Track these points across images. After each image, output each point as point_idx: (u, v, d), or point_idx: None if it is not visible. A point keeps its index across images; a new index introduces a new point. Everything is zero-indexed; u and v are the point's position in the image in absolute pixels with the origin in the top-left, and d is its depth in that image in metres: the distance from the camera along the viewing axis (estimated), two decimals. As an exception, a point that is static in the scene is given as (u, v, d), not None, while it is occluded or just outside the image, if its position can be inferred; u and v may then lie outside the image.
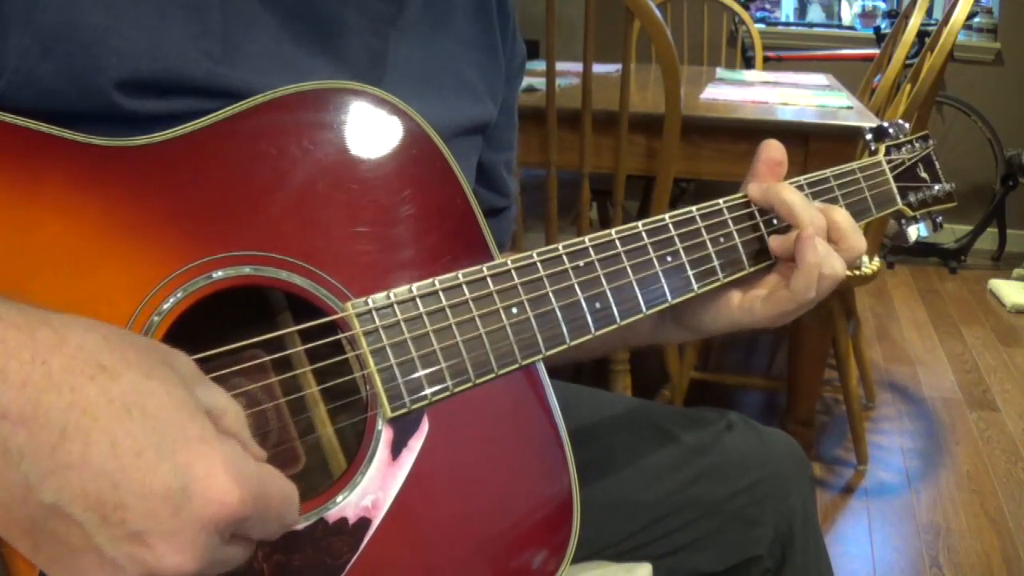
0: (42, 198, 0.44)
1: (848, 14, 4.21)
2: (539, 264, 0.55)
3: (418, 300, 0.51)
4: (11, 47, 0.49)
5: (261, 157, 0.49)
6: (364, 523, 0.49)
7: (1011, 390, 2.44)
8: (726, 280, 0.62)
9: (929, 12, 3.44)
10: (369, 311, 0.50)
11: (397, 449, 0.50)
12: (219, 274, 0.47)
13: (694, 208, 0.62)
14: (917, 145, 0.74)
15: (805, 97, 1.95)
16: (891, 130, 0.74)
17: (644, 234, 0.59)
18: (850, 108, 1.77)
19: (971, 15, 2.39)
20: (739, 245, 0.63)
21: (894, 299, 3.18)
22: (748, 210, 0.64)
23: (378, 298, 0.50)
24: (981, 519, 1.82)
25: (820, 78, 2.53)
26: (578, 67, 1.60)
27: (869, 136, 0.72)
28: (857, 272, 1.87)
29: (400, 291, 0.51)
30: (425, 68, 0.66)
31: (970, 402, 2.37)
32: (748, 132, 1.60)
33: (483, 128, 0.72)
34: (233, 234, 0.48)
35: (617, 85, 1.45)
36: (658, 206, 1.53)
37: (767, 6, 4.21)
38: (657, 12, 1.34)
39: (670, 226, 0.60)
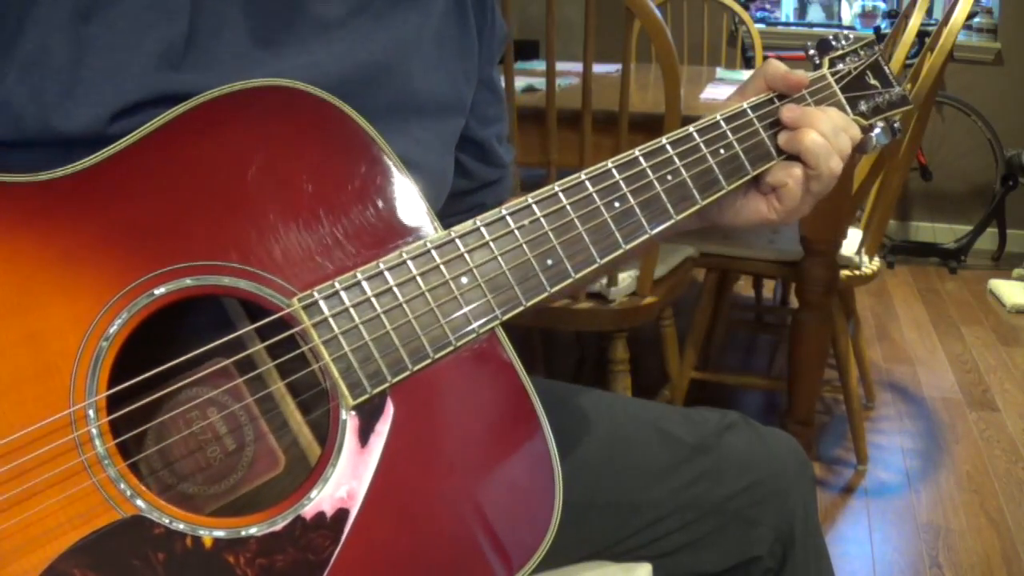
0: None
1: (848, 14, 4.21)
2: (482, 229, 0.54)
3: (364, 284, 0.50)
4: None
5: (187, 167, 0.49)
6: (343, 514, 0.49)
7: (1011, 390, 2.44)
8: (730, 188, 0.63)
9: (929, 12, 3.45)
10: (315, 302, 0.50)
11: (365, 436, 0.50)
12: (160, 290, 0.47)
13: (691, 127, 0.62)
14: (862, 53, 0.73)
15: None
16: (834, 42, 0.72)
17: (614, 170, 0.59)
18: (850, 108, 1.76)
19: (971, 15, 2.39)
20: (740, 153, 0.63)
21: (894, 299, 3.18)
22: (744, 120, 0.64)
23: (323, 288, 0.50)
24: (981, 519, 1.82)
25: (820, 78, 2.53)
26: (578, 67, 1.60)
27: (812, 52, 0.71)
28: (857, 272, 1.87)
29: (344, 277, 0.50)
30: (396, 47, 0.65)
31: (970, 402, 2.37)
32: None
33: (458, 111, 0.72)
34: (170, 248, 0.48)
35: (617, 85, 1.45)
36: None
37: (767, 6, 4.21)
38: (657, 12, 1.34)
39: (668, 146, 0.61)
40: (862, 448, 2.00)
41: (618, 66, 1.68)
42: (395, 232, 0.52)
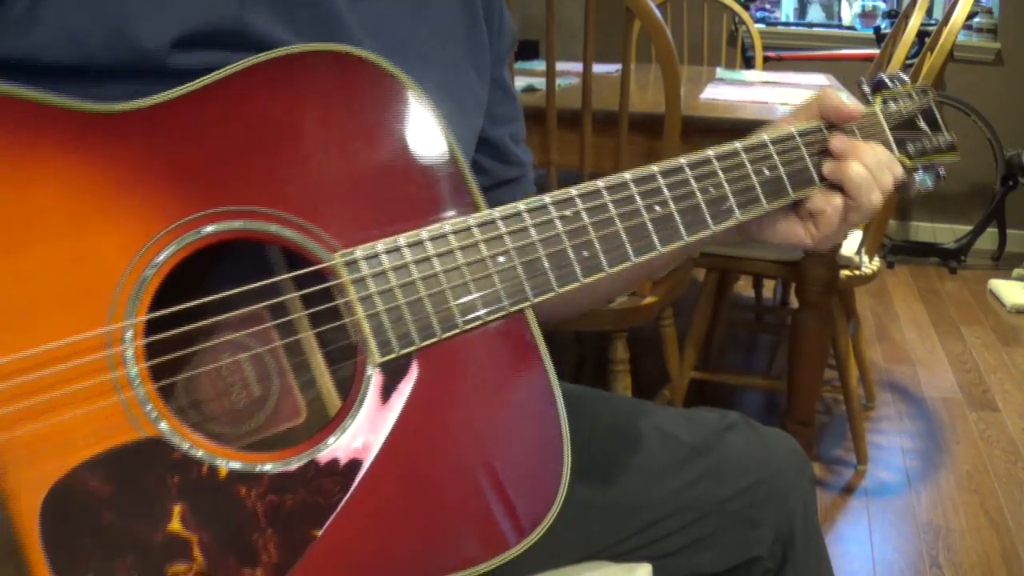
0: (36, 164, 0.45)
1: (848, 14, 4.21)
2: (524, 213, 0.55)
3: (404, 249, 0.52)
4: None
5: (248, 118, 0.50)
6: (355, 464, 0.50)
7: (1011, 390, 2.44)
8: (770, 208, 0.64)
9: (929, 12, 3.44)
10: (356, 260, 0.51)
11: (387, 393, 0.51)
12: (210, 229, 0.49)
13: (738, 143, 0.63)
14: (916, 96, 0.74)
15: (805, 97, 1.95)
16: (888, 82, 0.74)
17: (659, 175, 0.60)
18: (850, 108, 1.76)
19: (971, 15, 2.39)
20: (783, 175, 0.64)
21: (894, 299, 3.18)
22: (791, 144, 0.66)
23: (366, 247, 0.51)
24: (981, 519, 1.82)
25: (820, 78, 2.53)
26: (578, 67, 1.60)
27: (865, 88, 0.72)
28: (857, 272, 1.87)
29: (387, 241, 0.52)
30: (411, 39, 0.66)
31: (970, 402, 2.37)
32: (748, 132, 1.60)
33: (475, 109, 0.73)
34: (225, 190, 0.49)
35: (617, 85, 1.45)
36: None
37: (767, 6, 4.21)
38: (657, 12, 1.34)
39: (713, 159, 0.62)
40: (862, 448, 2.00)
41: (618, 66, 1.68)
42: (440, 205, 0.54)
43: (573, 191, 0.57)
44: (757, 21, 3.96)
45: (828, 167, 0.66)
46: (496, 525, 0.53)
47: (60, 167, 0.46)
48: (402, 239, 0.52)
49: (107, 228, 0.47)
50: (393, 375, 0.52)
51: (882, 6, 4.06)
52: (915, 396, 2.40)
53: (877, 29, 3.61)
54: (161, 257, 0.48)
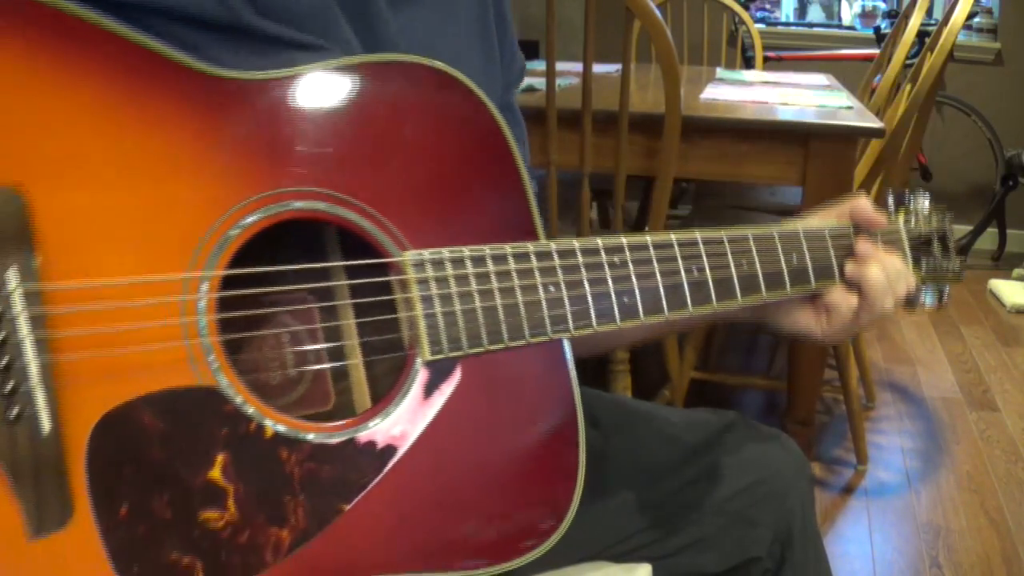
0: (146, 109, 0.48)
1: (848, 14, 4.21)
2: (578, 251, 0.60)
3: (468, 261, 0.56)
4: None
5: (351, 111, 0.54)
6: (390, 450, 0.53)
7: (1011, 390, 2.44)
8: (792, 294, 0.70)
9: (929, 12, 3.45)
10: (423, 261, 0.55)
11: (429, 391, 0.55)
12: (297, 204, 0.52)
13: (775, 230, 0.69)
14: (934, 219, 0.81)
15: (805, 97, 1.95)
16: (911, 201, 0.80)
17: (701, 241, 0.65)
18: (850, 108, 1.77)
19: (971, 15, 2.39)
20: (809, 266, 0.70)
21: (894, 299, 3.18)
22: (821, 240, 0.71)
23: (433, 251, 0.55)
24: (981, 519, 1.82)
25: (820, 78, 2.53)
26: (578, 67, 1.60)
27: (890, 201, 0.79)
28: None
29: (453, 250, 0.56)
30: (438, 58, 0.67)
31: (970, 402, 2.37)
32: (748, 132, 1.60)
33: None
34: (314, 172, 0.53)
35: (617, 85, 1.45)
36: (658, 206, 1.53)
37: (767, 6, 4.21)
38: (657, 12, 1.34)
39: (751, 238, 0.67)
40: (862, 448, 2.00)
41: (618, 66, 1.68)
42: (504, 228, 0.59)
43: (624, 240, 0.62)
44: (757, 21, 3.97)
45: (850, 266, 0.71)
46: (505, 535, 0.56)
47: (175, 117, 0.49)
48: (467, 251, 0.56)
49: (203, 182, 0.49)
50: (438, 375, 0.55)
51: (882, 6, 4.06)
52: (915, 396, 2.40)
53: (877, 29, 3.61)
54: (248, 220, 0.50)
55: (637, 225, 2.84)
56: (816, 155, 1.57)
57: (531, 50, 3.41)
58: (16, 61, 0.44)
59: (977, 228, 3.59)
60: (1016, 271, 3.42)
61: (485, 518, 0.55)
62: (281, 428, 0.50)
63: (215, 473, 0.48)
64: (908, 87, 1.92)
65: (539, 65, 1.74)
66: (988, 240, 3.67)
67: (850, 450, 2.04)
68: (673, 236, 0.64)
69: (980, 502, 1.88)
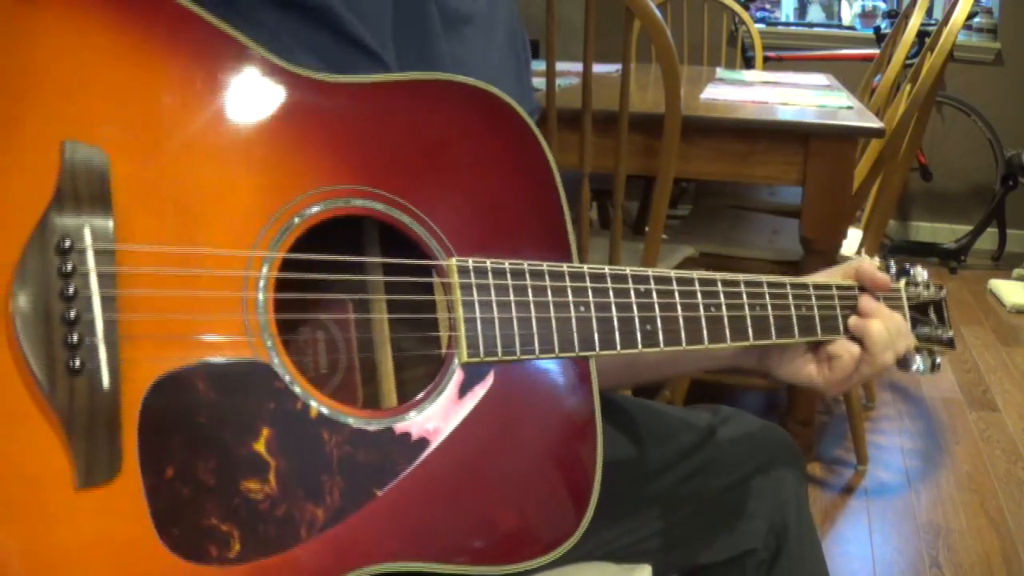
0: (227, 94, 0.52)
1: (848, 14, 4.21)
2: (608, 276, 0.64)
3: (508, 274, 0.60)
4: None
5: (414, 123, 0.58)
6: (423, 443, 0.56)
7: (1011, 390, 2.44)
8: (799, 340, 0.74)
9: (929, 12, 3.45)
10: (468, 268, 0.58)
11: (463, 392, 0.58)
12: (356, 202, 0.55)
13: (787, 280, 0.74)
14: (931, 289, 0.87)
15: (805, 97, 1.95)
16: (911, 272, 0.85)
17: (720, 282, 0.69)
18: (850, 108, 1.77)
19: (971, 15, 2.39)
20: (816, 317, 0.74)
21: (894, 299, 3.18)
22: (828, 293, 0.76)
23: (477, 260, 0.59)
24: (981, 519, 1.82)
25: (820, 78, 2.53)
26: (578, 67, 1.60)
27: (893, 271, 0.84)
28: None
29: (495, 261, 0.60)
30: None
31: (970, 402, 2.37)
32: (748, 132, 1.60)
33: None
34: (375, 175, 0.56)
35: (617, 85, 1.45)
36: (658, 206, 1.53)
37: (767, 6, 4.21)
38: (657, 12, 1.34)
39: (765, 284, 0.72)
40: (862, 448, 2.00)
41: (618, 66, 1.68)
42: (542, 248, 0.63)
43: (650, 272, 0.66)
44: (757, 21, 3.97)
45: (854, 321, 0.75)
46: (516, 540, 0.58)
47: (252, 104, 0.53)
48: (508, 264, 0.60)
49: (273, 169, 0.53)
50: (473, 378, 0.58)
51: (882, 6, 4.06)
52: (915, 396, 2.41)
53: (877, 29, 3.61)
54: (312, 210, 0.53)
55: (637, 225, 2.85)
56: (816, 155, 1.57)
57: (531, 50, 3.40)
58: (118, 37, 0.48)
59: (977, 228, 3.59)
60: (1016, 271, 3.42)
61: (499, 524, 0.58)
62: (325, 410, 0.52)
63: (259, 446, 0.50)
64: (908, 87, 1.92)
65: (539, 65, 1.74)
66: (988, 240, 3.67)
67: (850, 450, 2.04)
68: (695, 275, 0.68)
69: (980, 502, 1.88)
